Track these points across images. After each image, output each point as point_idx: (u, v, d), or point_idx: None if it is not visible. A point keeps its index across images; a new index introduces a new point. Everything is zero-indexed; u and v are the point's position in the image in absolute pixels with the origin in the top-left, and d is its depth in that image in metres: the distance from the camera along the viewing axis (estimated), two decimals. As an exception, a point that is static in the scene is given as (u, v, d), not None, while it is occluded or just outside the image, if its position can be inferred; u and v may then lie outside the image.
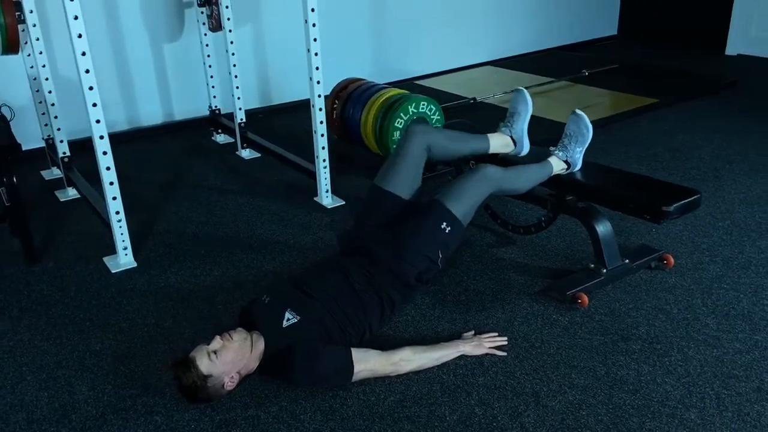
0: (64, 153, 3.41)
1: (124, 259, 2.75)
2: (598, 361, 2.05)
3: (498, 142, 2.55)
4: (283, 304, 2.02)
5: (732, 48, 5.99)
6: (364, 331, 2.08)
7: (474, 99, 4.56)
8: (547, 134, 3.19)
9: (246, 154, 3.98)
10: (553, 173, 2.46)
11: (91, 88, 2.47)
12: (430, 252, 2.17)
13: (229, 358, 1.89)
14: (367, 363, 1.95)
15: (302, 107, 4.85)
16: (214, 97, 4.21)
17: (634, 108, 4.48)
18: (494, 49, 5.98)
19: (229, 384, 1.91)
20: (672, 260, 2.54)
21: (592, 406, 1.87)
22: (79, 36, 2.39)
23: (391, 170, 2.35)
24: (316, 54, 2.96)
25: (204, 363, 1.86)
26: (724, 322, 2.22)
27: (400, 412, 1.87)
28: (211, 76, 4.13)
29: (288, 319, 1.96)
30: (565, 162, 2.47)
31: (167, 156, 4.03)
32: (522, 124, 2.56)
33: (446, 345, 2.08)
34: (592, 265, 2.45)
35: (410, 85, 5.14)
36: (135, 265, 2.74)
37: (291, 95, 4.89)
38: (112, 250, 2.80)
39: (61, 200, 3.42)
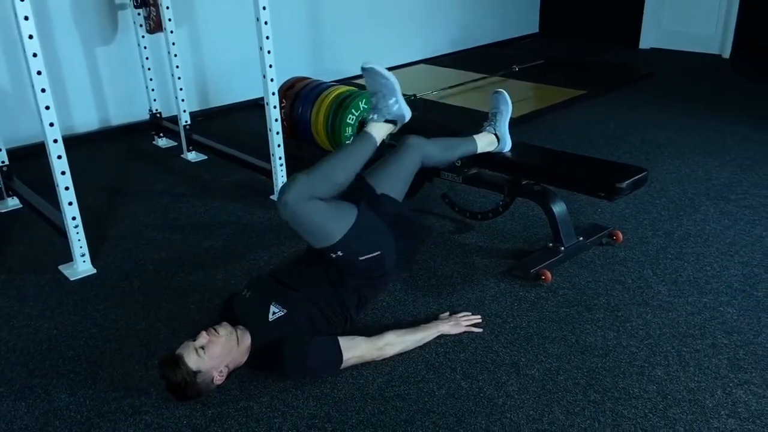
0: (3, 162, 3.27)
1: (82, 266, 2.67)
2: (568, 331, 2.18)
3: (484, 142, 2.64)
4: (266, 297, 2.03)
5: (645, 42, 6.40)
6: (346, 320, 2.12)
7: (414, 95, 4.67)
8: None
9: (192, 156, 3.93)
10: (378, 141, 2.25)
11: (43, 90, 2.40)
12: (358, 265, 2.12)
13: (216, 352, 1.89)
14: (355, 350, 1.99)
15: (242, 108, 4.89)
16: (155, 100, 4.13)
17: (565, 100, 4.72)
18: (425, 47, 6.13)
19: (218, 378, 1.91)
20: (621, 236, 2.72)
21: (568, 371, 1.99)
22: (30, 37, 2.32)
23: (382, 170, 2.35)
24: (269, 52, 2.97)
25: (192, 359, 1.85)
26: (674, 288, 2.41)
27: (390, 391, 1.93)
28: (151, 79, 4.06)
29: (274, 313, 1.98)
30: (388, 122, 2.27)
31: (108, 162, 3.92)
32: (504, 122, 2.67)
33: (426, 327, 2.16)
34: (551, 244, 2.59)
35: (349, 84, 5.20)
36: (94, 271, 2.67)
37: (230, 97, 4.87)
38: (66, 258, 2.72)
39: (1, 212, 3.27)
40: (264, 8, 2.88)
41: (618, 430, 1.76)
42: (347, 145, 2.27)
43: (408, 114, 2.29)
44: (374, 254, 2.13)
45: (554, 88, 5.05)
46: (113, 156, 4.03)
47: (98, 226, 3.05)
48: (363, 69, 2.25)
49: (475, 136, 2.63)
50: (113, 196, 3.42)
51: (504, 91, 2.70)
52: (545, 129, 4.12)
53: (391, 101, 2.24)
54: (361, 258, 2.10)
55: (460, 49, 6.41)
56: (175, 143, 4.14)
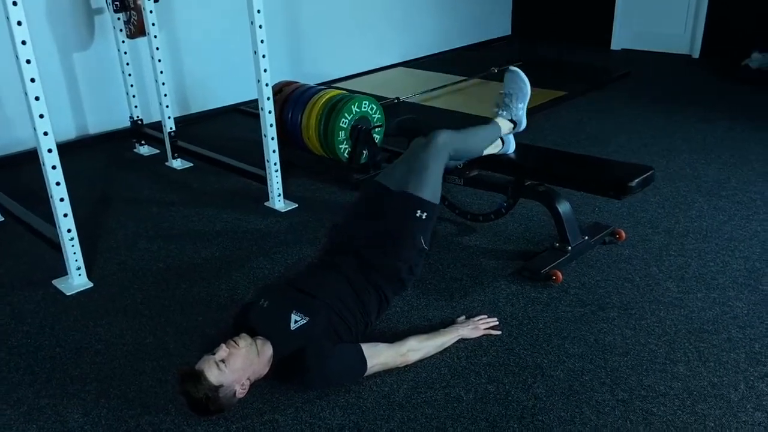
0: (-18, 173, 3.14)
1: (78, 280, 2.57)
2: (585, 330, 2.19)
3: (505, 126, 2.61)
4: (286, 306, 1.98)
5: (617, 43, 6.51)
6: (366, 325, 2.09)
7: (398, 98, 4.66)
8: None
9: (178, 164, 3.83)
10: (503, 133, 2.53)
11: (37, 98, 2.30)
12: (416, 243, 2.20)
13: (238, 365, 1.83)
14: (379, 357, 1.96)
15: (223, 114, 4.80)
16: (135, 106, 4.02)
17: (548, 101, 4.76)
18: (402, 50, 6.12)
19: (241, 391, 1.86)
20: (624, 234, 2.75)
21: (592, 371, 1.99)
22: (24, 43, 2.23)
23: (396, 170, 2.34)
24: (263, 56, 2.92)
25: (213, 373, 1.79)
26: (682, 284, 2.44)
27: (417, 398, 1.91)
28: (132, 85, 3.95)
29: (296, 321, 1.93)
30: (511, 121, 2.56)
31: (90, 172, 3.79)
32: (520, 104, 2.62)
33: (446, 331, 2.14)
34: (557, 244, 2.59)
35: (331, 87, 5.16)
36: (91, 285, 2.57)
37: (210, 103, 4.77)
38: (59, 271, 2.62)
39: (-18, 225, 3.14)
40: (258, 11, 2.83)
41: (650, 429, 1.76)
42: (480, 126, 2.49)
43: (525, 124, 2.58)
44: (425, 247, 2.21)
45: (535, 89, 5.03)
46: (94, 165, 3.90)
47: (88, 238, 2.93)
48: (510, 70, 2.56)
49: (496, 120, 2.58)
50: (99, 207, 3.31)
51: (519, 70, 2.60)
52: (530, 130, 4.11)
53: (520, 105, 2.55)
54: (422, 238, 2.18)
55: (436, 52, 6.42)
56: (158, 151, 4.03)
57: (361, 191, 2.45)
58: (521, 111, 2.55)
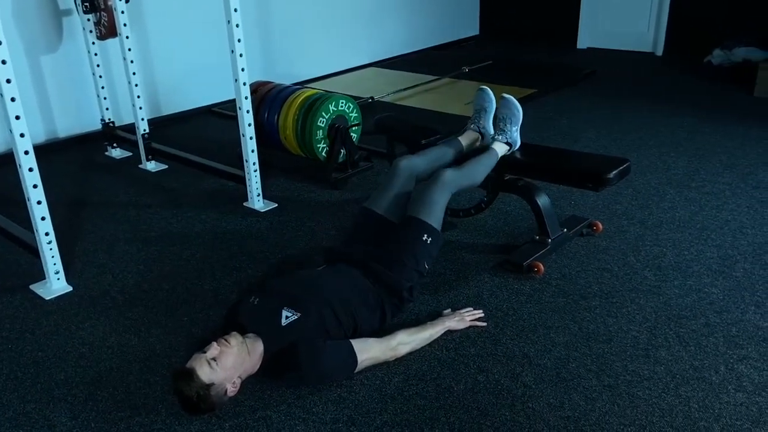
0: (-49, 178, 3.06)
1: (56, 284, 2.53)
2: (569, 320, 2.23)
3: (469, 141, 2.72)
4: (277, 302, 1.99)
5: (582, 42, 6.64)
6: (355, 329, 2.07)
7: (372, 98, 4.68)
8: (450, 125, 3.38)
9: (152, 166, 3.78)
10: (500, 156, 2.63)
11: (13, 99, 2.26)
12: (419, 266, 2.24)
13: (229, 363, 1.83)
14: (369, 352, 1.98)
15: (195, 116, 4.76)
16: (107, 109, 3.96)
17: (517, 99, 4.81)
18: (373, 51, 6.15)
19: (232, 390, 1.85)
20: (601, 226, 2.81)
21: (578, 358, 2.04)
22: (-1, 42, 2.18)
23: (382, 196, 2.44)
24: (241, 55, 2.91)
25: (205, 372, 1.79)
26: (659, 273, 2.51)
27: (409, 390, 1.93)
28: (102, 87, 3.89)
29: (287, 317, 1.94)
30: (507, 143, 2.67)
31: (61, 176, 3.72)
32: (489, 119, 2.75)
33: (433, 324, 2.16)
34: (537, 237, 2.64)
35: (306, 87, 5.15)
36: (70, 289, 2.53)
37: (183, 105, 4.73)
38: (36, 276, 2.58)
39: (-48, 231, 3.05)
40: (236, 10, 2.82)
41: (637, 412, 1.81)
42: (480, 157, 2.61)
43: (519, 143, 2.72)
44: (425, 272, 2.29)
45: (505, 87, 5.13)
46: (66, 169, 3.83)
47: (65, 242, 2.88)
48: (503, 97, 2.72)
49: (493, 146, 2.67)
50: (74, 211, 3.25)
51: (512, 97, 2.73)
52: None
53: (514, 128, 2.70)
54: (425, 263, 2.26)
55: (407, 52, 6.46)
56: (131, 153, 3.98)
57: (358, 218, 2.49)
58: (515, 133, 2.71)
